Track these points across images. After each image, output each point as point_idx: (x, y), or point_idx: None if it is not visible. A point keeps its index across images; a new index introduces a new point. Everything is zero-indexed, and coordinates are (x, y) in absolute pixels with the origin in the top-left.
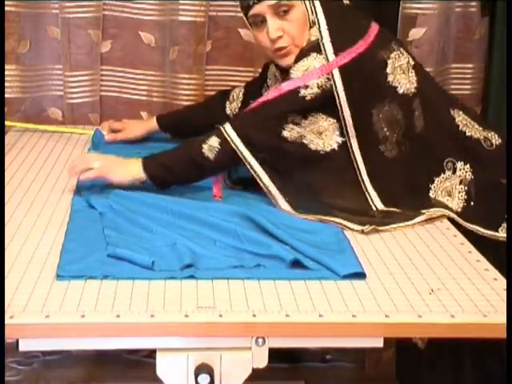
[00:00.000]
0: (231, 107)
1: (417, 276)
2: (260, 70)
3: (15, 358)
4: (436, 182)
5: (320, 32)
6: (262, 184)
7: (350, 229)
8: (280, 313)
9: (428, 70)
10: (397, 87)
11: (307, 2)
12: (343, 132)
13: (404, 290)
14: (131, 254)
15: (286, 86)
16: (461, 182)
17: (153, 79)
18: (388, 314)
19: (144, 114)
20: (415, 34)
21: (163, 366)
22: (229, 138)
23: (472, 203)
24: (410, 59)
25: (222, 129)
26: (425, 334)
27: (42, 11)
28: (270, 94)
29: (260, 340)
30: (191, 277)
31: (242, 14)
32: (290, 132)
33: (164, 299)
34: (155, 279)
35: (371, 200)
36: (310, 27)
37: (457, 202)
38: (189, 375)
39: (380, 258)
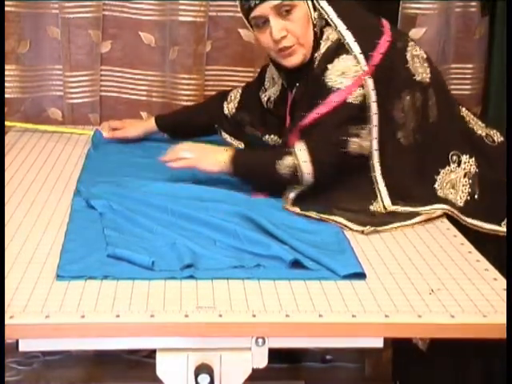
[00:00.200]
0: (229, 107)
1: (417, 276)
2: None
3: (15, 358)
4: (441, 173)
5: (340, 32)
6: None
7: (351, 229)
8: (280, 313)
9: None
10: (414, 75)
11: (309, 1)
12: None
13: (404, 290)
14: (131, 254)
15: (336, 98)
16: (465, 175)
17: (153, 79)
18: (388, 314)
19: (144, 114)
20: (415, 34)
21: (163, 366)
22: (301, 161)
23: (476, 197)
24: (423, 52)
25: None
26: (425, 334)
27: (42, 11)
28: (319, 109)
29: (260, 340)
30: (191, 277)
31: (241, 15)
32: (353, 145)
33: (164, 299)
34: (155, 279)
35: (378, 190)
36: (314, 25)
37: (460, 195)
38: (189, 375)
39: (380, 258)
